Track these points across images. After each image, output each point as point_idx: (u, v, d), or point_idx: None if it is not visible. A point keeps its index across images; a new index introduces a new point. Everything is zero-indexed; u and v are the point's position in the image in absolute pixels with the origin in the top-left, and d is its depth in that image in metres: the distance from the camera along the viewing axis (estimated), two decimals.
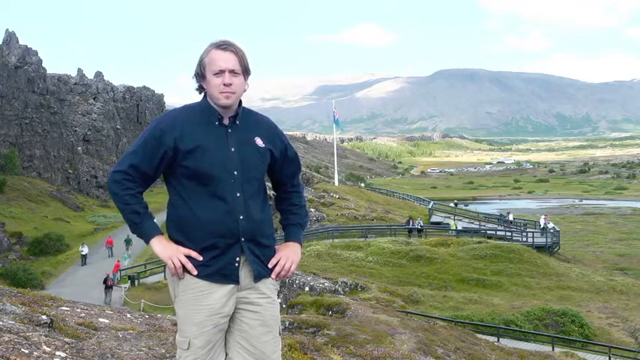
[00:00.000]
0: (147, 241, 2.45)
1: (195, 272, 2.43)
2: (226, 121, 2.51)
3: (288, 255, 2.59)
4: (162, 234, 2.46)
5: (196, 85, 2.56)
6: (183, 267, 2.43)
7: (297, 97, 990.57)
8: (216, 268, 2.44)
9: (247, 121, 2.57)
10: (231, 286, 2.48)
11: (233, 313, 2.51)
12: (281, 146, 2.63)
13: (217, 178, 2.43)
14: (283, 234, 2.71)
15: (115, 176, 2.44)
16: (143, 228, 2.44)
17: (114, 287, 30.41)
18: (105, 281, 29.90)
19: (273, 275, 2.56)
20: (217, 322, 2.45)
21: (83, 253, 39.81)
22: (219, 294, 2.45)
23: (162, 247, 2.43)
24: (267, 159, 2.57)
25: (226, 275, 2.46)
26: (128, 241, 43.07)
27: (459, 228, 40.98)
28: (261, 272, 2.52)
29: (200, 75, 2.52)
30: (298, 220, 2.71)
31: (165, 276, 31.74)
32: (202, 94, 2.56)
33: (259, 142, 2.54)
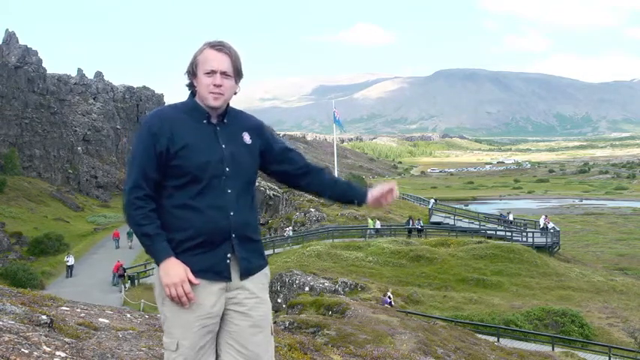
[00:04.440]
0: (157, 264, 2.40)
1: (187, 306, 2.38)
2: (214, 120, 2.52)
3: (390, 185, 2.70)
4: (171, 256, 2.38)
5: (187, 82, 2.56)
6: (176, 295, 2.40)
7: (296, 97, 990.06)
8: (208, 265, 2.41)
9: (234, 119, 2.59)
10: (222, 284, 2.45)
11: (223, 314, 2.47)
12: (269, 139, 2.66)
13: (209, 176, 2.43)
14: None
15: (128, 196, 2.40)
16: (153, 251, 2.38)
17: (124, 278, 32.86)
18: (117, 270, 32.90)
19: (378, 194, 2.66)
20: (206, 322, 2.41)
21: (69, 263, 36.73)
22: (209, 293, 2.42)
23: (165, 272, 2.36)
24: (257, 155, 2.60)
25: (218, 272, 2.43)
26: (130, 234, 43.74)
27: (377, 226, 40.68)
28: (250, 269, 2.51)
29: (192, 72, 2.51)
30: (347, 182, 2.80)
31: None
32: (191, 91, 2.55)
33: (247, 138, 2.57)
